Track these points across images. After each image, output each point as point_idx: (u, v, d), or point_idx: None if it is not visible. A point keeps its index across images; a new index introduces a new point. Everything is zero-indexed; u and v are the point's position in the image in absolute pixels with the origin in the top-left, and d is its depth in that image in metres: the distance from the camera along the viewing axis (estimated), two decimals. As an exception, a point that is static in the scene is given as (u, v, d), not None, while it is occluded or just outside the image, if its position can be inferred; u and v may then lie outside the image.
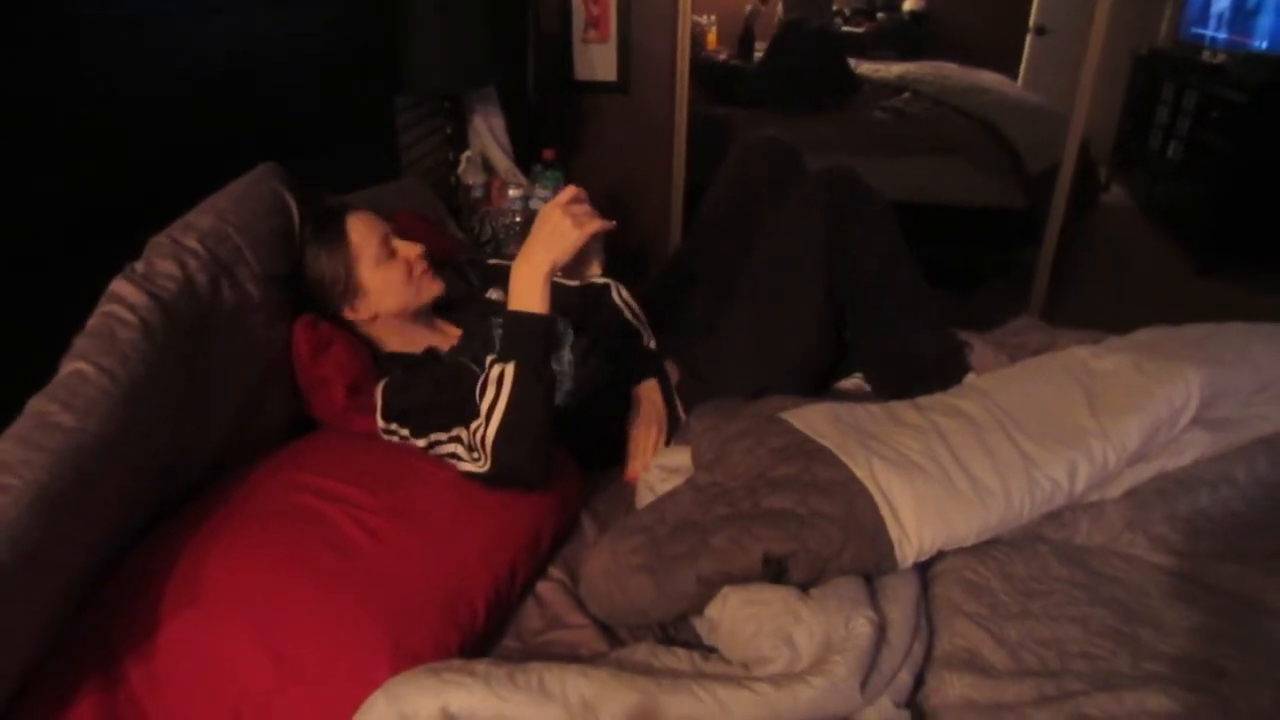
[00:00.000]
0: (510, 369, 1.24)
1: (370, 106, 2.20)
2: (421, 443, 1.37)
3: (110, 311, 1.15)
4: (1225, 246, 3.94)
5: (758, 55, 4.91)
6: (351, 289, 1.50)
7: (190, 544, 1.13)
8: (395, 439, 1.41)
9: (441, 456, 1.34)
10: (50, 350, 1.11)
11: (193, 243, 1.30)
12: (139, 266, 1.23)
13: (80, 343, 1.11)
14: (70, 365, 1.08)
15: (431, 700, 0.96)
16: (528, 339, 1.25)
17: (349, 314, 1.52)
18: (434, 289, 1.56)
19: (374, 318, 1.53)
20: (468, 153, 2.47)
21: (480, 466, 1.27)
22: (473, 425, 1.26)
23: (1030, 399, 1.34)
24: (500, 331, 1.31)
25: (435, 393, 1.42)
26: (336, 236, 1.48)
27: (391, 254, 1.51)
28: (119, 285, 1.19)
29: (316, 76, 1.92)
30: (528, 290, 1.25)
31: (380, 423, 1.42)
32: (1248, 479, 1.31)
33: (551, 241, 1.24)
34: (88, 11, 1.29)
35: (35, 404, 1.03)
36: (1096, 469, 1.23)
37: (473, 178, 2.44)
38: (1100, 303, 3.56)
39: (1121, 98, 5.11)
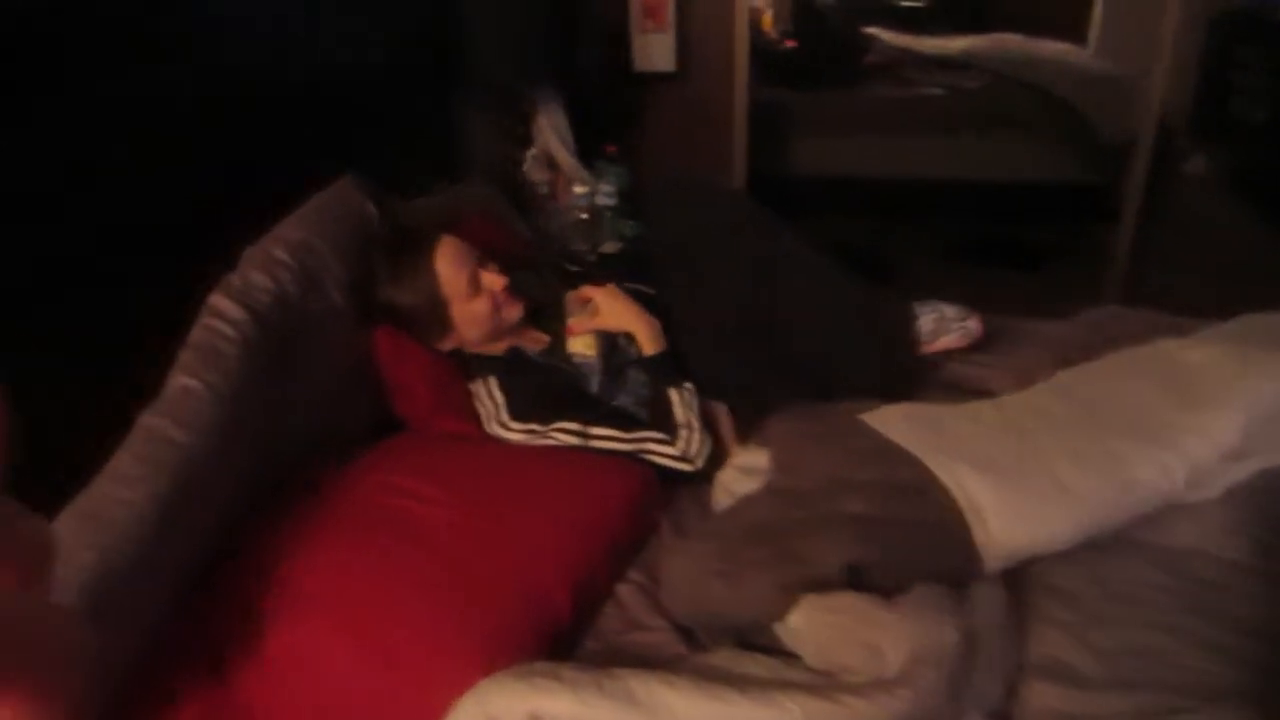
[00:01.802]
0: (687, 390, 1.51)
1: (439, 107, 2.22)
2: (550, 432, 1.46)
3: (211, 325, 1.21)
4: (1318, 218, 3.76)
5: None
6: (437, 327, 1.53)
7: (289, 546, 1.17)
8: (515, 436, 1.48)
9: (560, 445, 1.46)
10: (148, 351, 1.16)
11: (283, 254, 1.36)
12: (235, 280, 1.29)
13: (185, 357, 1.17)
14: (178, 380, 1.14)
15: (519, 704, 0.98)
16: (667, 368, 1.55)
17: (433, 344, 1.56)
18: (515, 315, 1.59)
19: (459, 345, 1.58)
20: (532, 150, 2.48)
21: (690, 467, 1.46)
22: (680, 442, 1.46)
23: (1117, 395, 1.31)
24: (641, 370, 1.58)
25: (552, 389, 1.53)
26: (424, 271, 1.50)
27: (478, 289, 1.53)
28: (218, 300, 1.25)
29: (384, 81, 1.94)
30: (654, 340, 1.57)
31: (501, 420, 1.49)
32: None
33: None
34: (169, 29, 1.33)
35: (148, 420, 1.09)
36: (1191, 468, 1.19)
37: (537, 175, 2.45)
38: (1183, 281, 3.43)
39: (1200, 63, 4.90)
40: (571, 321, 1.64)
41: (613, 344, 1.64)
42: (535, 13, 2.19)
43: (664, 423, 1.49)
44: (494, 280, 1.54)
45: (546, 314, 1.68)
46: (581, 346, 1.62)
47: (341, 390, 1.46)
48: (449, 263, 1.51)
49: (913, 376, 1.63)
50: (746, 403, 1.55)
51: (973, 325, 1.69)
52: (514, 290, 1.57)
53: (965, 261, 3.67)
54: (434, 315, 1.51)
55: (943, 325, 1.67)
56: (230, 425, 1.15)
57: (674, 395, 1.50)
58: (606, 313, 1.61)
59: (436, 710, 1.02)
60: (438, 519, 1.24)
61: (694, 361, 1.58)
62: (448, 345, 1.57)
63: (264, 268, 1.33)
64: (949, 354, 1.70)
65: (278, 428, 1.30)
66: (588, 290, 1.63)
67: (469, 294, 1.51)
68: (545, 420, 1.48)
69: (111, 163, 1.23)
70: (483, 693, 1.01)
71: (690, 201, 1.78)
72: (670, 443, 1.47)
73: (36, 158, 1.11)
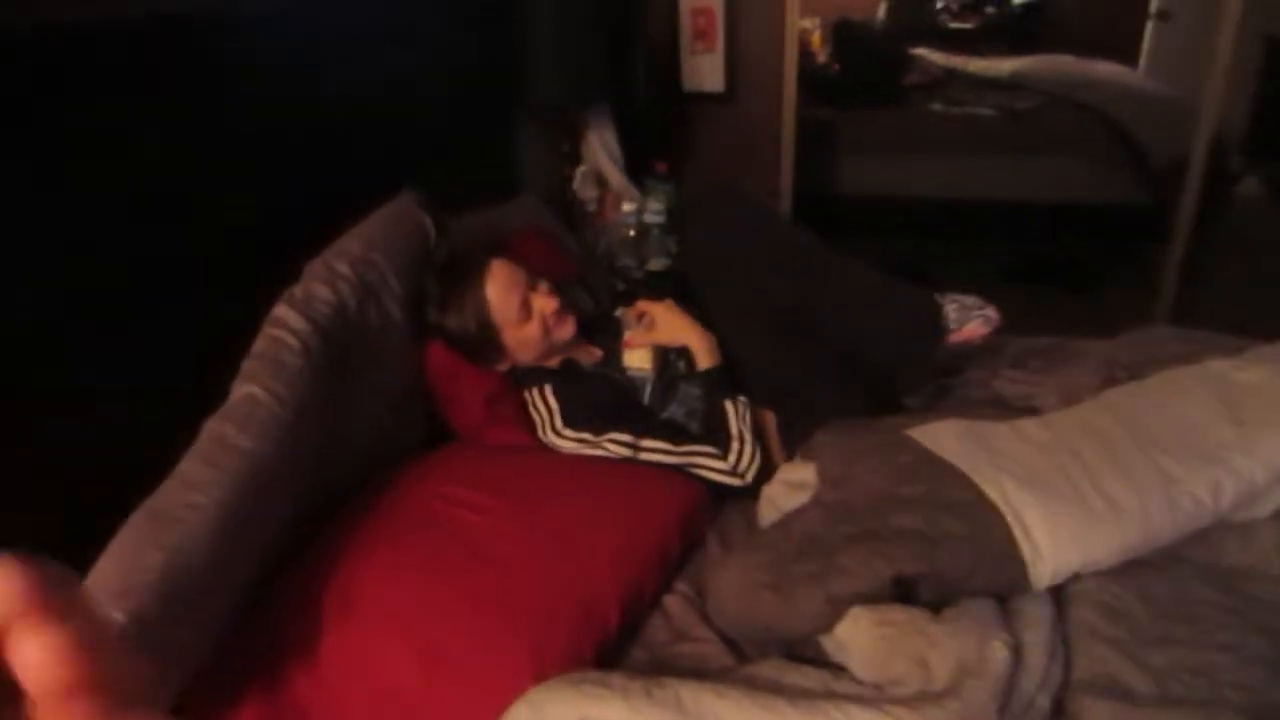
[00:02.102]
0: (742, 403, 1.54)
1: (493, 125, 2.28)
2: (603, 441, 1.50)
3: (275, 335, 1.26)
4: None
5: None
6: (491, 351, 1.56)
7: (345, 554, 1.21)
8: (568, 445, 1.51)
9: (611, 456, 1.50)
10: (216, 361, 1.21)
11: (344, 268, 1.40)
12: (297, 291, 1.33)
13: (250, 366, 1.21)
14: (243, 389, 1.18)
15: (571, 710, 1.00)
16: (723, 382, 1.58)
17: (488, 367, 1.59)
18: (567, 334, 1.61)
19: (512, 365, 1.61)
20: (582, 167, 2.52)
21: (740, 482, 1.50)
22: (732, 455, 1.50)
23: (1167, 413, 1.30)
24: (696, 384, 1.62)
25: (605, 399, 1.57)
26: (475, 298, 1.52)
27: (529, 313, 1.55)
28: (282, 310, 1.29)
29: (443, 100, 2.00)
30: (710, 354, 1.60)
31: (555, 428, 1.53)
32: None
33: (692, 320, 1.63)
34: (247, 57, 1.39)
35: (214, 426, 1.13)
36: (1243, 486, 1.18)
37: (587, 192, 2.49)
38: (1235, 303, 3.37)
39: (1254, 82, 4.82)
40: (629, 335, 1.66)
41: (667, 358, 1.66)
42: (590, 34, 2.24)
43: (718, 434, 1.51)
44: (545, 303, 1.56)
45: (600, 328, 1.71)
46: (638, 361, 1.64)
47: (398, 401, 1.50)
48: (500, 289, 1.52)
49: (937, 364, 1.69)
50: (794, 404, 1.56)
51: (991, 313, 1.71)
52: (565, 309, 1.60)
53: (1016, 282, 3.64)
54: (486, 341, 1.54)
55: (965, 314, 1.69)
56: (293, 433, 1.18)
57: (729, 407, 1.53)
58: (664, 327, 1.63)
59: (487, 715, 1.05)
60: (490, 528, 1.28)
61: (741, 364, 1.60)
62: (502, 367, 1.60)
63: (325, 280, 1.38)
64: (995, 372, 1.70)
65: (337, 437, 1.33)
66: (644, 304, 1.66)
67: (520, 319, 1.54)
68: (598, 430, 1.50)
69: (194, 181, 1.29)
70: (535, 698, 1.03)
71: (723, 208, 1.80)
72: (722, 457, 1.49)
73: (118, 177, 1.16)
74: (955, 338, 1.68)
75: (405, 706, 1.10)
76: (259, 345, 1.25)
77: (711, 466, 1.48)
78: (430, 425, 1.58)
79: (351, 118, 1.63)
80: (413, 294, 1.53)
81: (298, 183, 1.49)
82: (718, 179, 2.97)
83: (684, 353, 1.66)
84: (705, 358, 1.60)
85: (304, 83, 1.52)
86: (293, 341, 1.26)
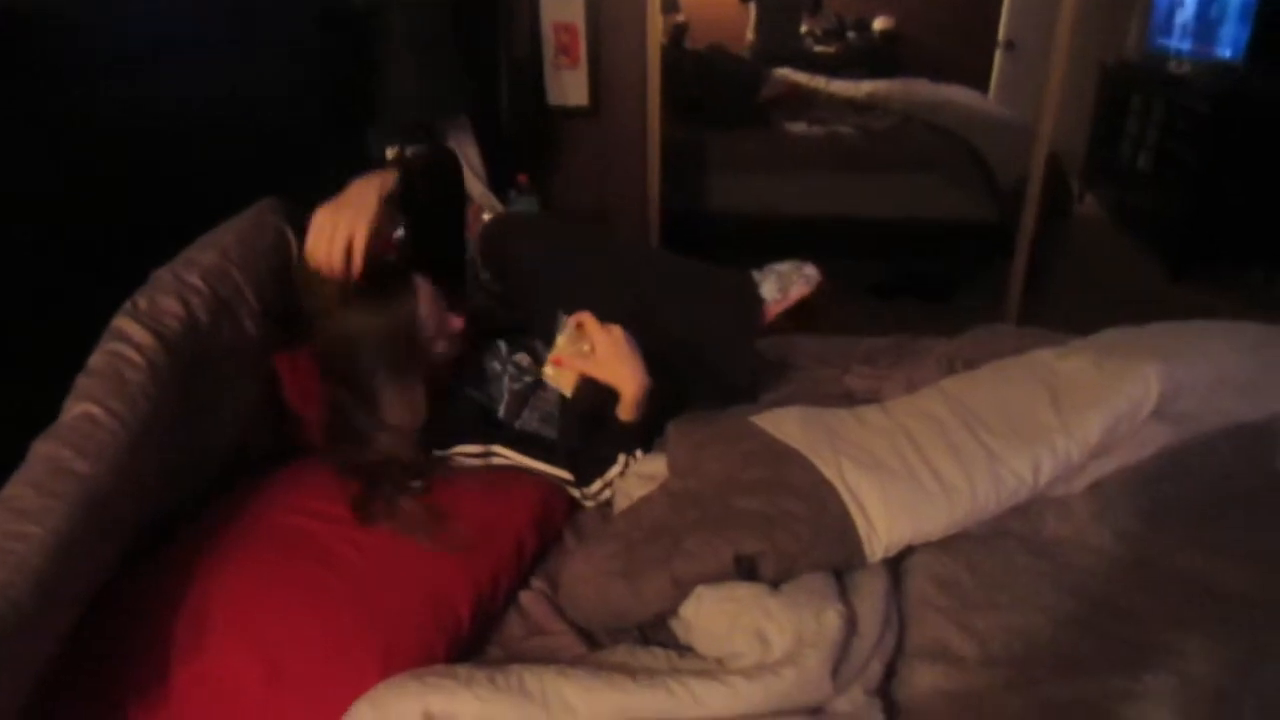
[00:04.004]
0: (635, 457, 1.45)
1: (346, 139, 2.24)
2: (452, 455, 1.47)
3: (116, 351, 1.16)
4: (1195, 254, 4.01)
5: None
6: (409, 364, 1.46)
7: (193, 574, 1.15)
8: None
9: (468, 466, 1.47)
10: (42, 370, 1.13)
11: (195, 280, 1.33)
12: (141, 302, 1.25)
13: (87, 383, 1.12)
14: (79, 408, 1.09)
15: (414, 704, 0.98)
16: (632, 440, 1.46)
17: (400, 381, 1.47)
18: (457, 349, 1.57)
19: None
20: (445, 179, 2.51)
21: (586, 502, 1.49)
22: (595, 486, 1.46)
23: (995, 399, 1.38)
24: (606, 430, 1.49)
25: (453, 417, 1.51)
26: (408, 309, 1.44)
27: (442, 329, 1.51)
28: (124, 323, 1.20)
29: (295, 114, 1.96)
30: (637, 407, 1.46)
31: None
32: (1209, 470, 1.35)
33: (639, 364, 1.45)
34: (83, 58, 1.33)
35: (46, 448, 1.04)
36: (1059, 463, 1.26)
37: (450, 203, 2.47)
38: (1074, 312, 3.62)
39: (1091, 110, 5.21)
40: (560, 351, 1.47)
41: (595, 392, 1.48)
42: (445, 47, 2.23)
43: (587, 472, 1.45)
44: (456, 321, 1.52)
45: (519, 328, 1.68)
46: (561, 382, 1.47)
47: (250, 419, 1.44)
48: (428, 301, 1.47)
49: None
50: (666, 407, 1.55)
51: (810, 270, 1.74)
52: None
53: (884, 297, 3.81)
54: (408, 353, 1.45)
55: (786, 280, 1.72)
56: (136, 455, 1.10)
57: (620, 460, 1.44)
58: (603, 362, 1.44)
59: (335, 717, 1.02)
60: (338, 534, 1.24)
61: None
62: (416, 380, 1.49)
63: (174, 292, 1.29)
64: (846, 369, 1.77)
65: (185, 457, 1.27)
66: (589, 323, 1.46)
67: (436, 336, 1.49)
68: (445, 446, 1.48)
69: (26, 184, 1.22)
70: (377, 696, 1.02)
71: (529, 226, 1.79)
72: (575, 485, 1.46)
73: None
74: (783, 304, 1.70)
75: (250, 717, 1.06)
76: (97, 361, 1.15)
77: (563, 483, 1.47)
78: (280, 441, 1.52)
79: (196, 125, 1.58)
80: (271, 307, 1.46)
81: (141, 191, 1.42)
82: (584, 192, 3.02)
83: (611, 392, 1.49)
84: (630, 410, 1.45)
85: (143, 87, 1.47)
86: (135, 357, 1.16)
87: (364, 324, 1.40)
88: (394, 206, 1.45)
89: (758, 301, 1.71)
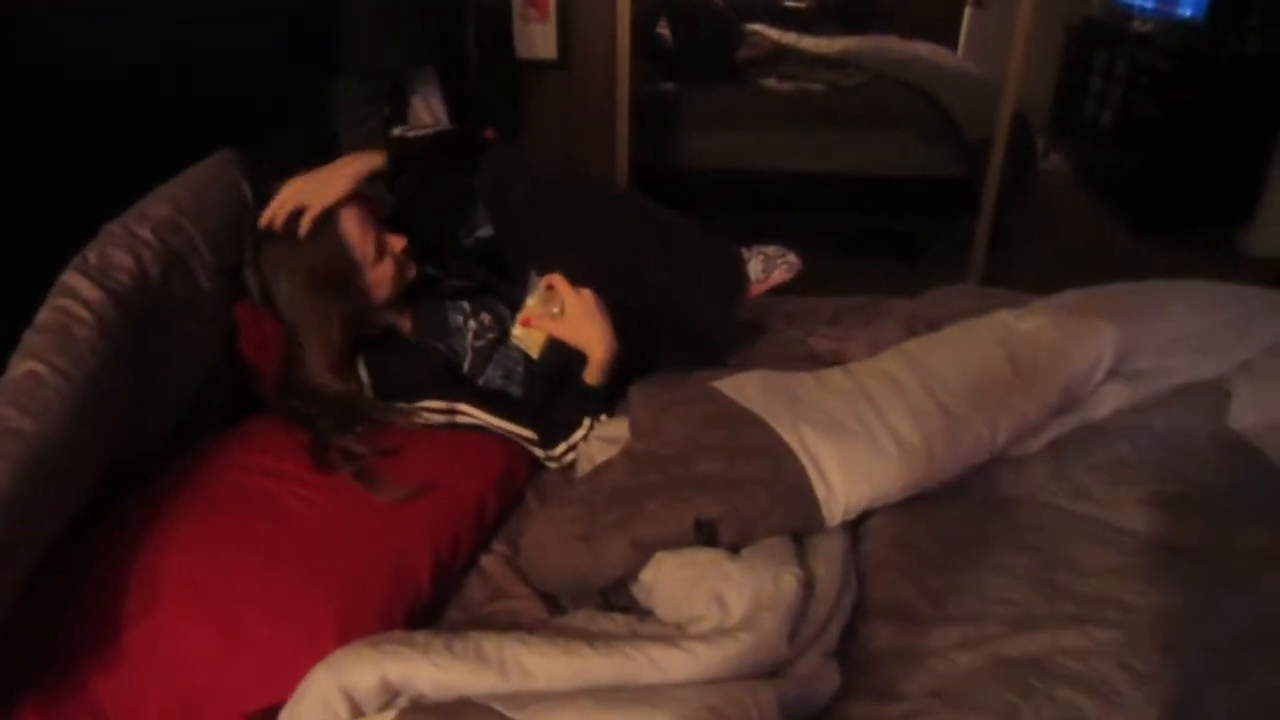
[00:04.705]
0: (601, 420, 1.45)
1: (308, 90, 2.18)
2: (416, 410, 1.46)
3: (63, 307, 1.13)
4: (1158, 211, 4.04)
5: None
6: (348, 291, 1.46)
7: (146, 533, 1.13)
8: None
9: (429, 423, 1.47)
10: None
11: (147, 233, 1.29)
12: (92, 257, 1.21)
13: (32, 340, 1.09)
14: (23, 365, 1.06)
15: (370, 670, 0.98)
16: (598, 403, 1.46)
17: (342, 312, 1.47)
18: (412, 273, 1.55)
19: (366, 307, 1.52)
20: (406, 133, 2.46)
21: (551, 464, 1.48)
22: (560, 449, 1.45)
23: (955, 360, 1.38)
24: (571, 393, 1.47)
25: (418, 369, 1.52)
26: (333, 237, 1.44)
27: (383, 253, 1.48)
28: (72, 278, 1.17)
29: (254, 61, 1.89)
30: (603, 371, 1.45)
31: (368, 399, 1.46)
32: (1164, 428, 1.37)
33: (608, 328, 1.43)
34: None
35: None
36: (1017, 422, 1.27)
37: (412, 158, 2.42)
38: (1038, 268, 3.65)
39: (1057, 67, 5.20)
40: (529, 312, 1.43)
41: (562, 355, 1.46)
42: (409, -2, 2.18)
43: (551, 434, 1.45)
44: (396, 241, 1.50)
45: (426, 291, 1.64)
46: (529, 343, 1.43)
47: (205, 376, 1.41)
48: (355, 228, 1.45)
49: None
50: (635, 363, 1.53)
51: (793, 258, 1.81)
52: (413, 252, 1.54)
53: (854, 254, 3.81)
54: (342, 283, 1.45)
55: (770, 263, 1.76)
56: (82, 414, 1.07)
57: (585, 424, 1.44)
58: (571, 322, 1.41)
59: (288, 683, 1.01)
60: (295, 494, 1.23)
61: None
62: (357, 309, 1.51)
63: (125, 246, 1.25)
64: (810, 330, 1.77)
65: (136, 415, 1.23)
66: (560, 283, 1.42)
67: (376, 258, 1.47)
68: (410, 399, 1.47)
69: None
70: (334, 661, 1.01)
71: (534, 166, 1.73)
72: (539, 445, 1.46)
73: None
74: (762, 286, 1.73)
75: (214, 685, 1.05)
76: (44, 317, 1.11)
77: (526, 443, 1.47)
78: (238, 397, 1.50)
79: (153, 75, 1.52)
80: (225, 262, 1.43)
81: (94, 142, 1.37)
82: (552, 146, 2.97)
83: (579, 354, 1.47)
84: (597, 373, 1.43)
85: (98, 34, 1.41)
86: (84, 313, 1.13)
87: (283, 259, 1.43)
88: (380, 185, 1.49)
89: (745, 279, 1.73)
